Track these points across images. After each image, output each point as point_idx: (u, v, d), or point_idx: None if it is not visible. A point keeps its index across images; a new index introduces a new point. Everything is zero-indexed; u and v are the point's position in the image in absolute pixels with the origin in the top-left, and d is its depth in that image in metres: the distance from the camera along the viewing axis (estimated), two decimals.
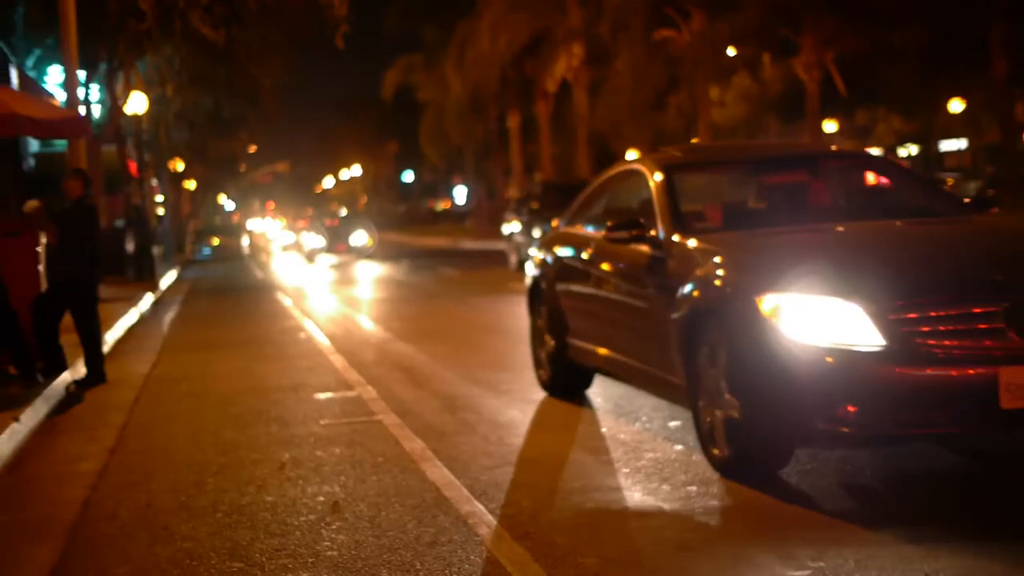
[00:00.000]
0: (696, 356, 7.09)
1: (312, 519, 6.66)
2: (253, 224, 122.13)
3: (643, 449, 7.88)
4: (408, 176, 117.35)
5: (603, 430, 8.64)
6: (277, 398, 10.97)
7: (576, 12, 51.03)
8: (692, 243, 7.64)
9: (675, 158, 9.11)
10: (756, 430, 6.55)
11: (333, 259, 43.32)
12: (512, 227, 30.34)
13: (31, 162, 29.44)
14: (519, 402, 9.97)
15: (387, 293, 26.41)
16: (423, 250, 50.70)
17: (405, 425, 9.22)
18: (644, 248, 7.99)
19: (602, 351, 8.89)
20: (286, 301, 24.18)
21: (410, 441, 8.58)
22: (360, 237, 42.95)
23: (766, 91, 57.61)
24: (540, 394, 10.24)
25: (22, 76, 31.41)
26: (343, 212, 62.42)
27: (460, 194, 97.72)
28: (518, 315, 15.02)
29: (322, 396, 10.99)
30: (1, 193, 21.15)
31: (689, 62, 45.61)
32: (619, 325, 8.59)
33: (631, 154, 64.71)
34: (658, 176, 8.38)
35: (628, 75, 46.21)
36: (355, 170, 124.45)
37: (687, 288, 7.24)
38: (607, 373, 9.19)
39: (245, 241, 60.20)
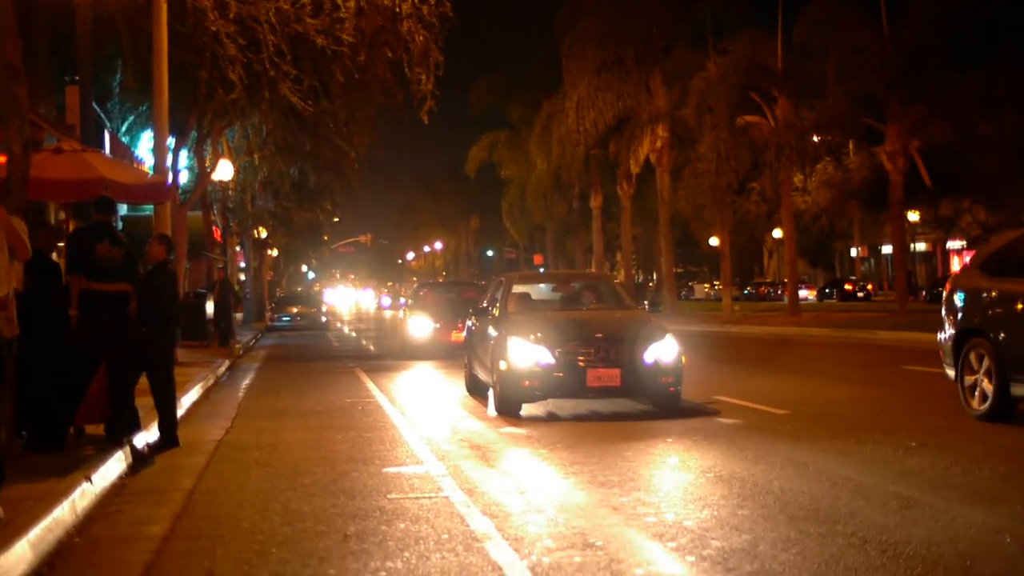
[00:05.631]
0: None
1: None
2: (333, 294, 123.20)
3: (709, 537, 7.75)
4: (489, 253, 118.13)
5: (669, 517, 8.50)
6: (346, 470, 10.95)
7: (661, 94, 51.33)
8: None
9: None
10: None
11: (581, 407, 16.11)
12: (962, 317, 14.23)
13: (119, 224, 29.95)
14: (588, 485, 9.87)
15: None
16: None
17: (472, 503, 9.16)
18: None
19: None
20: (360, 372, 24.26)
21: (476, 519, 8.51)
22: (666, 349, 15.08)
23: (850, 179, 57.42)
24: (611, 476, 10.13)
25: (114, 141, 32.07)
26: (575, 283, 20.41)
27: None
28: None
29: (391, 470, 10.96)
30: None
31: (772, 147, 45.56)
32: None
33: (714, 240, 64.69)
34: None
35: (711, 159, 46.25)
36: (436, 245, 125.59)
37: None
38: None
39: (323, 310, 60.45)
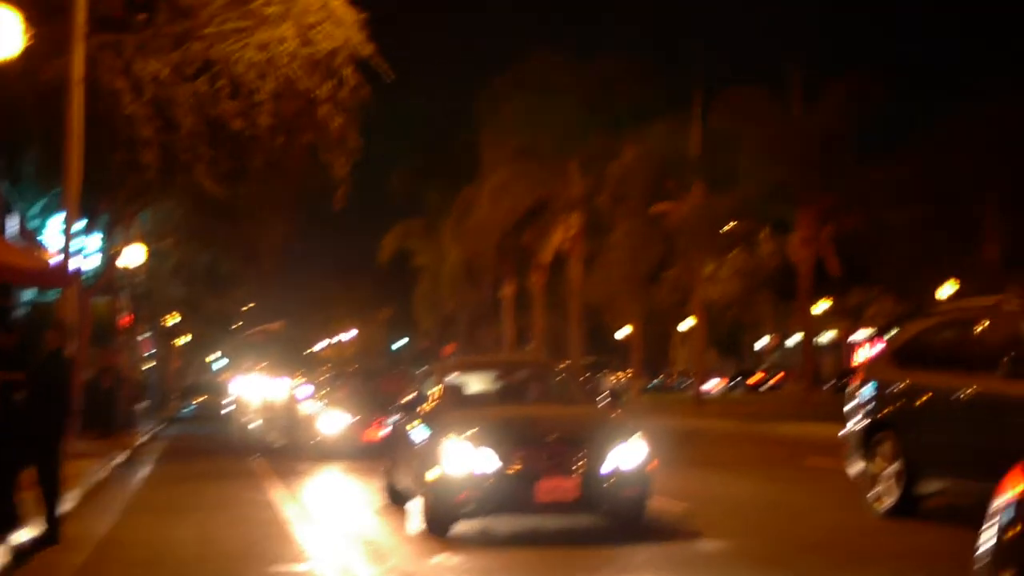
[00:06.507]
0: None
1: None
2: (242, 383, 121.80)
3: None
4: (399, 343, 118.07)
5: None
6: (231, 568, 10.62)
7: (578, 181, 51.34)
8: None
9: None
10: None
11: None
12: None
13: (22, 310, 29.35)
14: None
15: None
16: None
17: None
18: None
19: None
20: (259, 464, 23.84)
21: None
22: (634, 452, 12.33)
23: (761, 267, 58.06)
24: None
25: (22, 225, 31.56)
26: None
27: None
28: None
29: (277, 569, 10.64)
30: None
31: (686, 235, 45.87)
32: None
33: (626, 329, 64.85)
34: None
35: (625, 247, 46.47)
36: (347, 334, 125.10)
37: None
38: None
39: (230, 400, 59.64)
